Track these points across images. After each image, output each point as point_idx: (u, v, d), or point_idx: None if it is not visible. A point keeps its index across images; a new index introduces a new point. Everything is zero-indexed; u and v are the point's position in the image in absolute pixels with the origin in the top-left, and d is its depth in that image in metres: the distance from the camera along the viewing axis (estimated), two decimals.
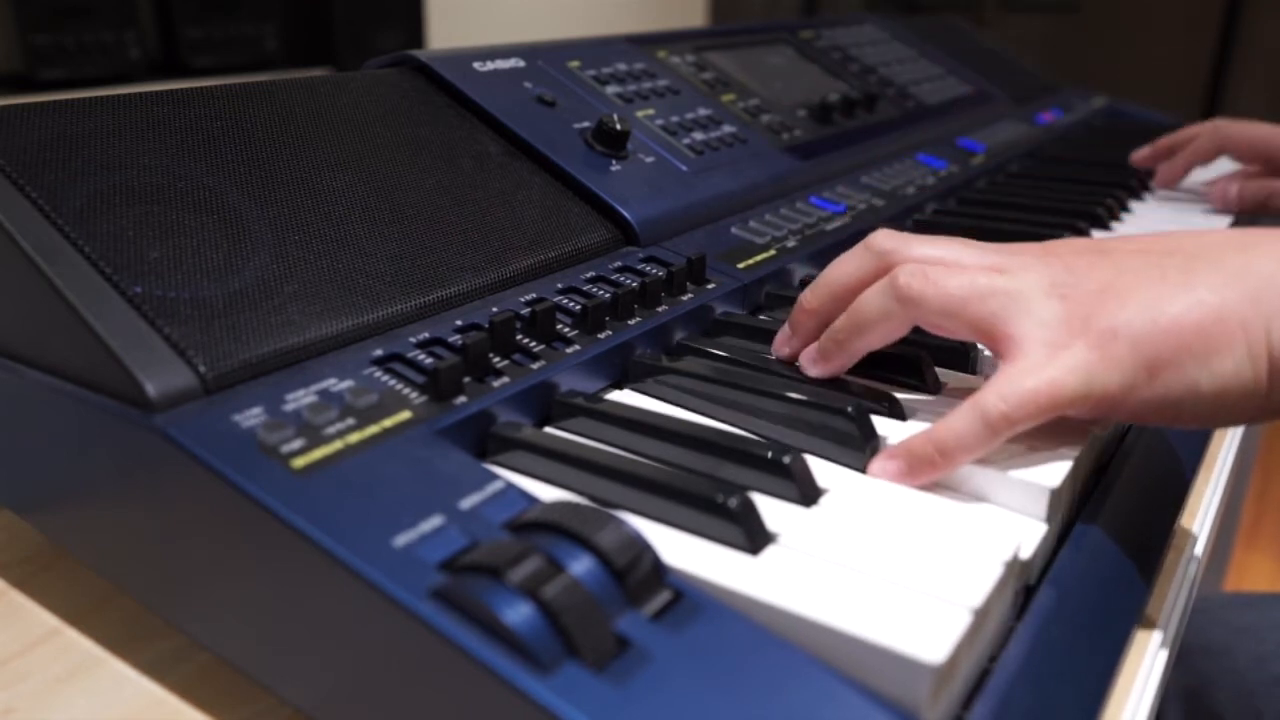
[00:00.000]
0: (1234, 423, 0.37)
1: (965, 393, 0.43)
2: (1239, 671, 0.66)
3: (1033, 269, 0.39)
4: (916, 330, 0.41)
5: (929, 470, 0.36)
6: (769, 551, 0.31)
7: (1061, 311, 0.37)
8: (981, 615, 0.29)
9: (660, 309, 0.47)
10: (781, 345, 0.45)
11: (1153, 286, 0.36)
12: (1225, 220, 0.76)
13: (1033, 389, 0.35)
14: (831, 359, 0.42)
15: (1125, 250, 0.39)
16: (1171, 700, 0.69)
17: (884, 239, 0.42)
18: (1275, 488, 2.02)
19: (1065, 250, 0.40)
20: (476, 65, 0.60)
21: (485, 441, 0.37)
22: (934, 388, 0.44)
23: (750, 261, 0.54)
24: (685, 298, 0.49)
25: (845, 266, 0.43)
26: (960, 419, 0.36)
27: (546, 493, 0.35)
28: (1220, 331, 0.35)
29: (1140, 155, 0.88)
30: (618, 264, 0.50)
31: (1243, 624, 0.70)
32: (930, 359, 0.44)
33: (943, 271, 0.39)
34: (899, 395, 0.42)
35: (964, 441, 0.36)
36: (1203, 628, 0.70)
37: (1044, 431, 0.38)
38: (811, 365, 0.43)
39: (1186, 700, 0.68)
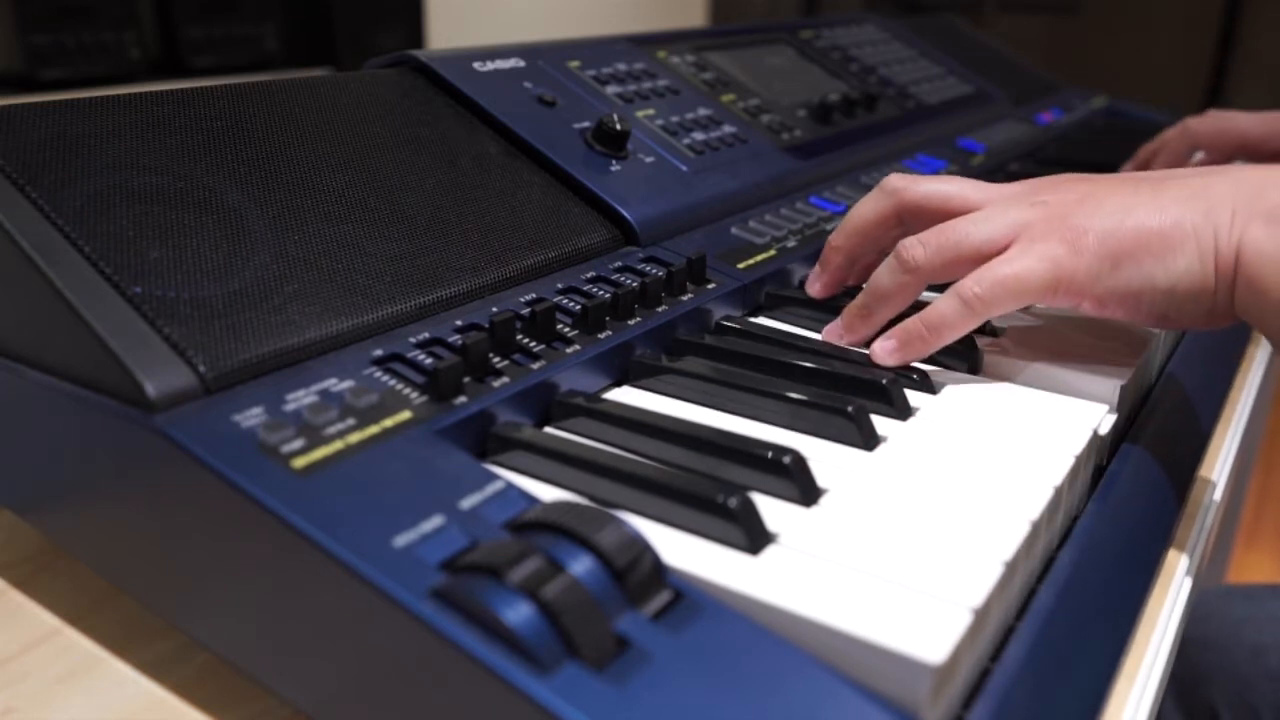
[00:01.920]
0: (1189, 324, 0.42)
1: (965, 392, 0.43)
2: (1236, 664, 0.66)
3: (1017, 196, 0.45)
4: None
5: (919, 345, 0.44)
6: (769, 551, 0.31)
7: (1037, 215, 0.43)
8: (981, 615, 0.29)
9: (660, 309, 0.47)
10: (813, 282, 0.52)
11: (1125, 196, 0.42)
12: None
13: (1004, 275, 0.42)
14: (857, 330, 0.47)
15: (1109, 177, 0.46)
16: (1168, 693, 0.69)
17: (895, 179, 0.49)
18: (1276, 484, 2.02)
19: (1055, 179, 0.46)
20: (476, 65, 0.60)
21: (485, 441, 0.37)
22: (934, 388, 0.44)
23: (750, 261, 0.54)
24: (685, 298, 0.49)
25: (863, 208, 0.50)
26: (944, 302, 0.43)
27: (547, 493, 0.35)
28: (1177, 235, 0.40)
29: (1126, 168, 0.88)
30: (618, 264, 0.50)
31: (1240, 617, 0.70)
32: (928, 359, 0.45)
33: (932, 234, 0.45)
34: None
35: (947, 319, 0.43)
36: (1200, 620, 0.70)
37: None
38: (839, 338, 0.48)
39: (1182, 693, 0.68)
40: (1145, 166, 0.86)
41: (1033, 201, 0.44)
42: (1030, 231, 0.42)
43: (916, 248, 0.45)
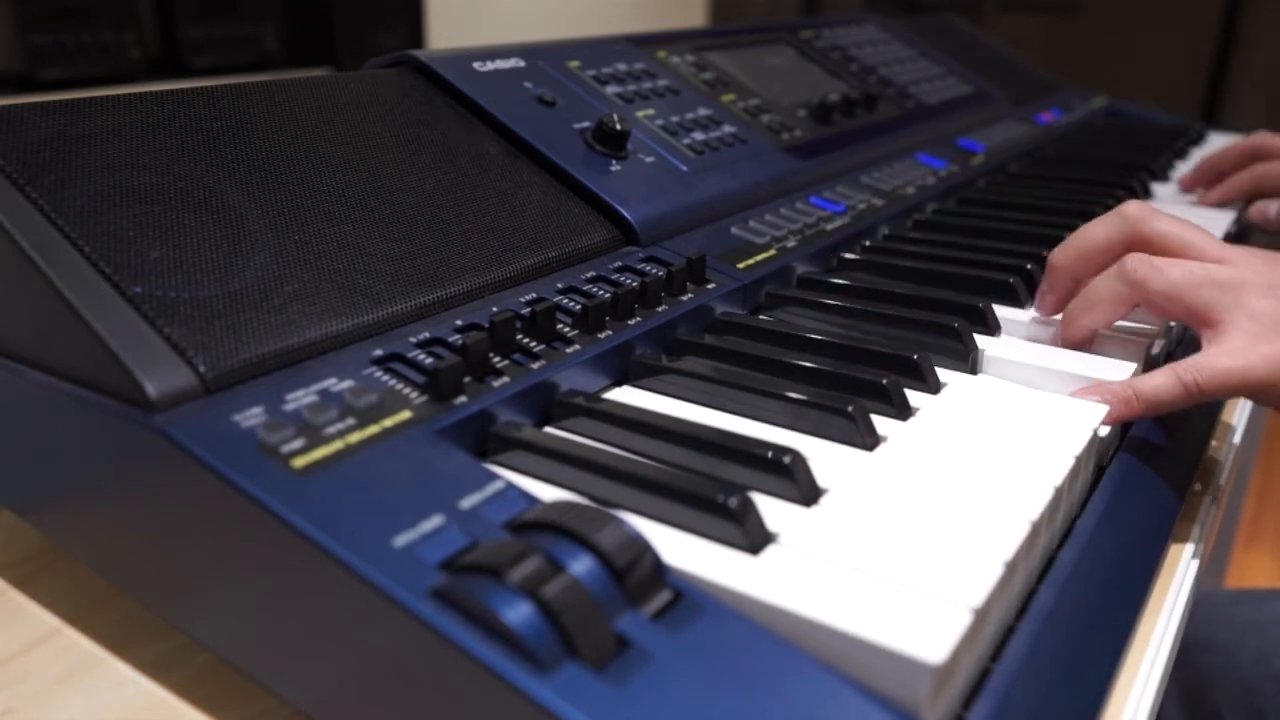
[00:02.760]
0: None
1: (965, 392, 0.43)
2: (1240, 669, 0.66)
3: (1252, 265, 0.45)
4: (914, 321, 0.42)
5: (1124, 410, 0.43)
6: (769, 551, 0.31)
7: (1271, 309, 0.43)
8: (982, 615, 0.29)
9: (660, 309, 0.47)
10: (1041, 300, 0.52)
11: None
12: (1225, 220, 0.76)
13: (1226, 368, 0.42)
14: (1073, 330, 0.49)
15: None
16: (1172, 698, 0.69)
17: (1134, 207, 0.49)
18: (1275, 486, 2.02)
19: None
20: (476, 65, 0.60)
21: (485, 441, 0.37)
22: (934, 388, 0.44)
23: (750, 261, 0.54)
24: (685, 298, 0.49)
25: (1095, 230, 0.50)
26: (1160, 377, 0.43)
27: (547, 493, 0.35)
28: None
29: (1188, 180, 0.86)
30: (618, 264, 0.50)
31: (1244, 621, 0.69)
32: (929, 359, 0.45)
33: (1167, 261, 0.45)
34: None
35: (1159, 395, 0.42)
36: (1204, 624, 0.70)
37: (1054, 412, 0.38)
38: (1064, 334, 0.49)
39: (1187, 698, 0.68)
40: (1210, 178, 0.84)
41: (1267, 289, 0.44)
42: (1257, 325, 0.43)
43: (1146, 265, 0.45)
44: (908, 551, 0.31)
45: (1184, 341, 0.56)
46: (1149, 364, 0.49)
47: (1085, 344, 0.49)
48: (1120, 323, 0.50)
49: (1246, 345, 0.42)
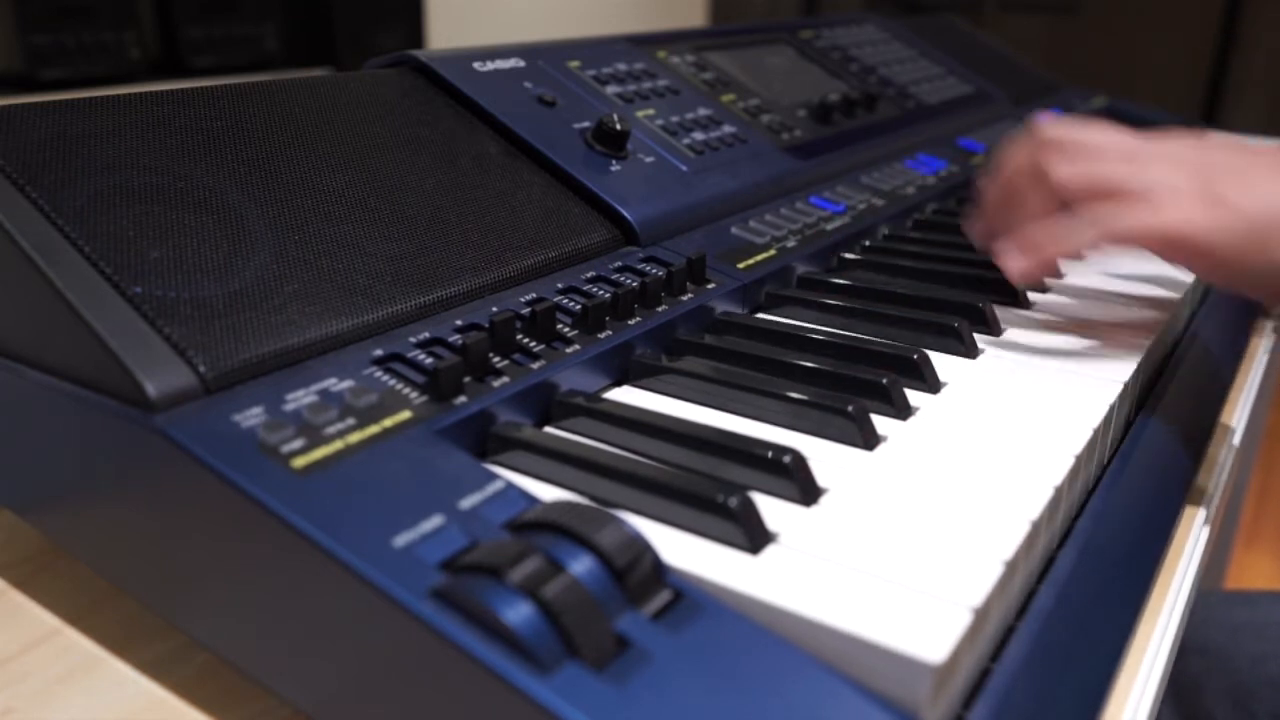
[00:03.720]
0: None
1: (965, 391, 0.43)
2: (1235, 671, 0.66)
3: (1165, 145, 0.47)
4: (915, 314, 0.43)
5: (1041, 268, 0.46)
6: (769, 551, 0.31)
7: (1188, 178, 0.44)
8: (982, 615, 0.29)
9: (660, 309, 0.47)
10: (971, 226, 0.55)
11: (1274, 178, 0.44)
12: None
13: (1147, 223, 0.43)
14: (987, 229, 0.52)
15: (1261, 150, 0.47)
16: (1166, 700, 0.69)
17: (1042, 124, 0.51)
18: (1275, 486, 2.02)
19: (1209, 144, 0.47)
20: (476, 65, 0.60)
21: (485, 441, 0.37)
22: (934, 387, 0.44)
23: (750, 261, 0.54)
24: (685, 298, 0.49)
25: (1011, 152, 0.51)
26: (1080, 224, 0.45)
27: (547, 492, 0.35)
28: None
29: None
30: (618, 264, 0.50)
31: (1240, 622, 0.69)
32: (929, 358, 0.45)
33: (1086, 158, 0.47)
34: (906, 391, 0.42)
35: (1073, 240, 0.45)
36: (1200, 626, 0.70)
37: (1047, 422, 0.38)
38: (1016, 267, 0.49)
39: (1182, 699, 0.68)
40: None
41: (1182, 163, 0.45)
42: (1178, 192, 0.44)
43: (1064, 165, 0.47)
44: (908, 551, 0.31)
45: (1183, 340, 0.56)
46: (1148, 364, 0.49)
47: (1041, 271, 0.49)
48: (1118, 320, 0.50)
49: (1172, 203, 0.44)
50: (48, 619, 0.39)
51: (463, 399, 0.37)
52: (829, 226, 0.62)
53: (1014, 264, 0.47)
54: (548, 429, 0.40)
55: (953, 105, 0.95)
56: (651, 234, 0.54)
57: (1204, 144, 0.47)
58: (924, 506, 0.34)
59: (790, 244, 0.58)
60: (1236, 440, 0.54)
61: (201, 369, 0.34)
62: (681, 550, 0.31)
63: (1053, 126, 0.50)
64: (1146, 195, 0.44)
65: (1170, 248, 0.44)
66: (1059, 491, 0.36)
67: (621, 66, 0.68)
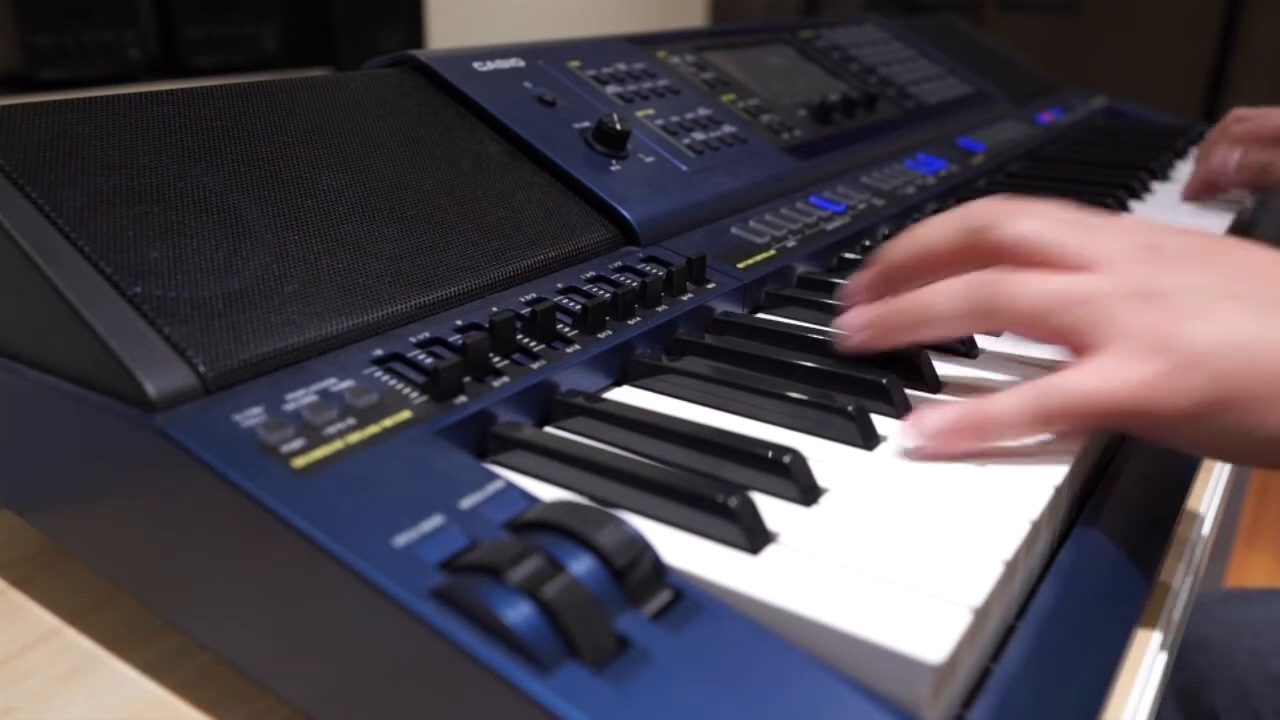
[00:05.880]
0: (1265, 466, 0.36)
1: (965, 392, 0.43)
2: (1236, 668, 0.66)
3: (1123, 264, 0.37)
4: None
5: (970, 439, 0.37)
6: (769, 551, 0.31)
7: (1146, 325, 0.35)
8: (982, 615, 0.29)
9: (660, 309, 0.47)
10: (851, 296, 0.45)
11: (1242, 315, 0.35)
12: (1226, 221, 0.76)
13: (1088, 390, 0.35)
14: (886, 337, 0.42)
15: (1232, 258, 0.38)
16: (1168, 698, 0.69)
17: (979, 211, 0.41)
18: (1275, 486, 2.02)
19: (1167, 247, 0.38)
20: (476, 65, 0.60)
21: (485, 441, 0.37)
22: (934, 387, 0.44)
23: (750, 261, 0.54)
24: (685, 298, 0.49)
25: (934, 233, 0.42)
26: (1014, 398, 0.36)
27: (547, 492, 0.35)
28: None
29: (1189, 194, 0.83)
30: (618, 264, 0.50)
31: (1240, 620, 0.69)
32: (929, 358, 0.44)
33: (1019, 280, 0.38)
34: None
35: (1007, 419, 0.36)
36: (1200, 624, 0.70)
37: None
38: (857, 333, 0.42)
39: (1182, 697, 0.68)
40: (1208, 182, 0.82)
41: (1137, 295, 0.36)
42: (1133, 345, 0.35)
43: (999, 296, 0.38)
44: (908, 551, 0.31)
45: None
46: None
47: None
48: None
49: (1116, 366, 0.35)
50: (48, 619, 0.39)
51: (463, 399, 0.37)
52: (829, 226, 0.62)
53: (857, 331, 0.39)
54: (548, 429, 0.40)
55: (953, 105, 0.95)
56: (651, 234, 0.54)
57: (1165, 246, 0.38)
58: (924, 506, 0.34)
59: (790, 244, 0.58)
60: None
61: (201, 369, 0.34)
62: (681, 550, 0.31)
63: (991, 219, 0.40)
64: (1108, 350, 0.36)
65: (1116, 422, 0.36)
66: (1059, 491, 0.36)
67: (621, 66, 0.68)
